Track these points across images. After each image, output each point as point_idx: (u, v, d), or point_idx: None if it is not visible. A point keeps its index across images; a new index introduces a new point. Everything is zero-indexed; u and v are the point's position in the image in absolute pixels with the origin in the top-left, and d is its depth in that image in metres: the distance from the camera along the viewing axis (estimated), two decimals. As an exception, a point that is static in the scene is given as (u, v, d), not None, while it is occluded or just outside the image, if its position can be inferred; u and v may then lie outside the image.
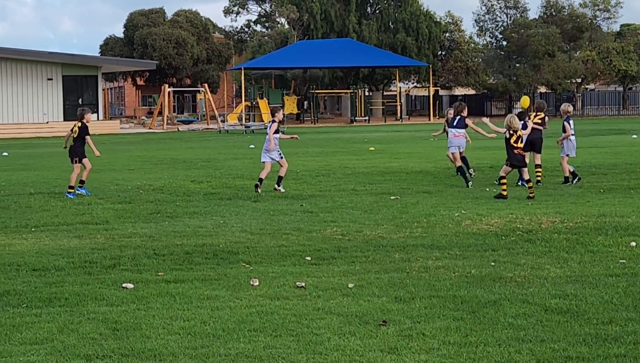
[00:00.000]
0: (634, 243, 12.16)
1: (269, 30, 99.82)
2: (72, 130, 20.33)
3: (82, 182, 19.99)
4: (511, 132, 18.01)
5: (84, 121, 20.23)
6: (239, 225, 14.67)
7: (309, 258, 11.65)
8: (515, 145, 18.04)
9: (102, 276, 10.73)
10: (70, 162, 20.17)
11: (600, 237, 12.75)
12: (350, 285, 9.99)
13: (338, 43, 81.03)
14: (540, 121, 20.89)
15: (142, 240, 13.25)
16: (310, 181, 22.11)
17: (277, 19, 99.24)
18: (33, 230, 14.66)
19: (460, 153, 21.79)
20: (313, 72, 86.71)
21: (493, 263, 11.08)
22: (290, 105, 75.88)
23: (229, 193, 19.49)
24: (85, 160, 20.07)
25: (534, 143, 20.54)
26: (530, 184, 18.07)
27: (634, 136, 41.10)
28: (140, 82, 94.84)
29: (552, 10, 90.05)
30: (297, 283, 10.11)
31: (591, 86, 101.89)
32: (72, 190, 19.49)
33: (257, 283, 10.18)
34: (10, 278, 10.72)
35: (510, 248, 12.11)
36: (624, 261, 11.09)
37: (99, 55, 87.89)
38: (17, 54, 63.32)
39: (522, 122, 19.27)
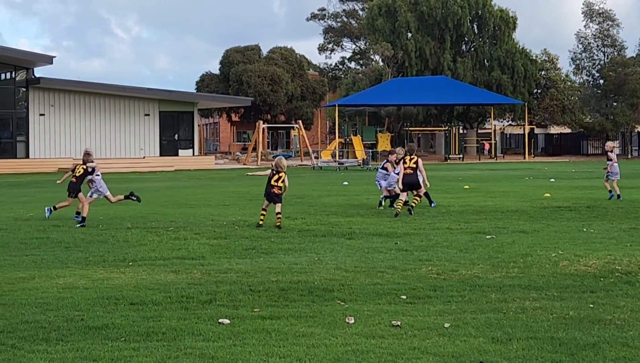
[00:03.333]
0: None
1: (363, 67, 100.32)
2: (73, 170, 22.84)
3: (77, 212, 22.15)
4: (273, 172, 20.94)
5: (88, 165, 22.58)
6: (334, 262, 14.68)
7: (404, 297, 11.59)
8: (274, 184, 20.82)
9: (198, 312, 10.81)
10: (67, 195, 22.71)
11: (702, 280, 12.48)
12: (447, 325, 9.91)
13: (432, 80, 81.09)
14: (415, 165, 23.34)
15: (237, 276, 13.32)
16: (404, 219, 22.05)
17: (372, 56, 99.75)
18: (130, 264, 14.86)
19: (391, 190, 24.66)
20: (407, 109, 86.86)
21: (592, 305, 10.91)
22: (384, 142, 75.94)
23: (323, 230, 19.53)
24: (80, 195, 22.30)
25: (411, 184, 23.44)
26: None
27: None
28: (235, 118, 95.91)
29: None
30: (393, 322, 10.07)
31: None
32: (78, 215, 21.89)
33: (352, 321, 10.16)
34: (109, 311, 10.86)
35: (609, 290, 11.91)
36: None
37: (194, 91, 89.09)
38: (116, 90, 64.59)
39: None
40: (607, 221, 21.06)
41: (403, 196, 23.60)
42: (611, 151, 28.27)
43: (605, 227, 19.68)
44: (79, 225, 20.87)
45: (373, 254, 15.75)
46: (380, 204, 25.19)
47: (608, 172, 27.89)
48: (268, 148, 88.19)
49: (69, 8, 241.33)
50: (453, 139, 79.68)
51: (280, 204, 20.82)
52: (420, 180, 23.68)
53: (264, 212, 20.99)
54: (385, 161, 25.20)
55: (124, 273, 13.77)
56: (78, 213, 22.06)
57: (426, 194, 24.94)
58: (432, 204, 25.11)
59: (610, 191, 27.59)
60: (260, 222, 20.62)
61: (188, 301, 11.46)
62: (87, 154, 23.03)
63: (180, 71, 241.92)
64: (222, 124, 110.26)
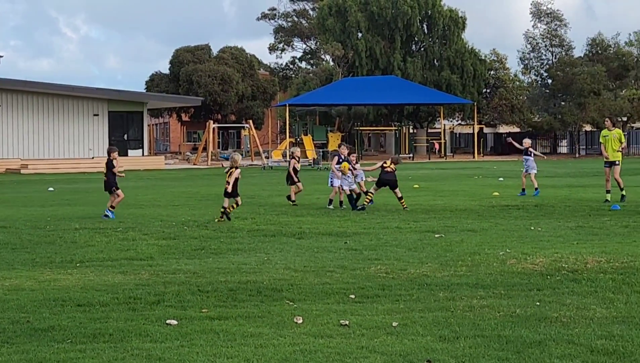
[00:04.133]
0: (681, 284, 12.03)
1: (314, 67, 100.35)
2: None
3: (112, 207, 23.04)
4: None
5: (110, 157, 23.59)
6: (283, 262, 14.67)
7: (353, 296, 11.61)
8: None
9: (146, 313, 10.76)
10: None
11: (647, 277, 12.62)
12: (394, 324, 9.95)
13: (383, 80, 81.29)
14: (393, 168, 25.06)
15: (186, 276, 13.27)
16: (354, 218, 22.10)
17: (322, 56, 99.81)
18: (78, 265, 14.75)
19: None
20: (357, 109, 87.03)
21: (538, 303, 10.99)
22: (335, 142, 76.01)
23: (273, 230, 19.52)
24: (119, 191, 23.19)
25: (387, 182, 24.71)
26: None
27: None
28: (185, 118, 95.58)
29: (598, 48, 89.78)
30: (341, 321, 10.08)
31: (637, 125, 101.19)
32: (112, 209, 22.98)
33: (300, 321, 10.17)
34: (55, 313, 10.78)
35: (556, 288, 12.01)
36: (672, 302, 10.98)
37: (144, 91, 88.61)
38: (65, 90, 64.10)
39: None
40: (554, 219, 21.24)
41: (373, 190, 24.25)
42: (530, 147, 30.82)
43: (553, 225, 19.85)
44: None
45: (322, 253, 15.76)
46: (341, 204, 25.16)
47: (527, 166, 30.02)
48: (218, 148, 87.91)
49: (16, 7, 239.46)
50: (403, 138, 79.96)
51: (227, 199, 21.74)
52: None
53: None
54: (340, 157, 25.26)
55: (71, 275, 13.66)
56: (113, 207, 23.13)
57: (359, 194, 25.36)
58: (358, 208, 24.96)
59: (523, 189, 29.56)
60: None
61: (136, 302, 11.40)
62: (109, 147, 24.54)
63: (129, 70, 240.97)
64: (172, 124, 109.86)
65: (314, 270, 13.75)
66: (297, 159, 27.23)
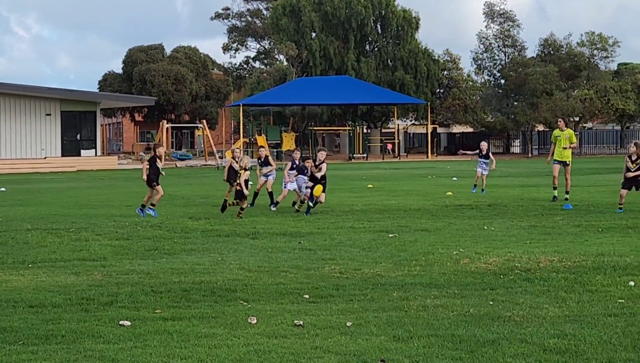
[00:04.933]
0: (632, 283, 12.14)
1: (268, 67, 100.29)
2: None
3: (152, 205, 23.38)
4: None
5: (156, 153, 24.01)
6: (237, 262, 14.64)
7: (307, 296, 11.61)
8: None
9: (99, 314, 10.69)
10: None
11: (598, 276, 12.73)
12: (349, 324, 9.95)
13: (336, 80, 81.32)
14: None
15: (139, 277, 13.20)
16: (308, 218, 22.10)
17: (276, 56, 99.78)
18: (30, 266, 14.62)
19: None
20: (311, 109, 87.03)
21: (491, 302, 11.05)
22: (289, 142, 76.01)
23: (227, 230, 19.47)
24: (158, 186, 23.49)
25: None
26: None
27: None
28: (138, 118, 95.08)
29: (550, 48, 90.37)
30: (295, 322, 10.07)
31: (589, 125, 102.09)
32: (143, 208, 23.29)
33: (254, 321, 10.14)
34: (7, 314, 10.67)
35: (509, 287, 12.08)
36: (623, 300, 11.07)
37: (97, 91, 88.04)
38: (16, 90, 63.49)
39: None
40: (507, 219, 21.37)
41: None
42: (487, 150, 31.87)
43: (506, 225, 19.97)
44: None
45: (277, 253, 15.74)
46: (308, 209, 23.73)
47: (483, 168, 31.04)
48: (172, 148, 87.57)
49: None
50: (357, 138, 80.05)
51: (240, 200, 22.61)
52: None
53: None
54: (293, 162, 25.03)
55: (23, 276, 13.54)
56: (153, 205, 23.46)
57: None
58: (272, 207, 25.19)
59: (475, 186, 30.88)
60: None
61: (88, 303, 11.32)
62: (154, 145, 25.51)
63: (82, 70, 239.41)
64: (126, 124, 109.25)
65: (268, 270, 13.74)
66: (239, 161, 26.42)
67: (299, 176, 24.34)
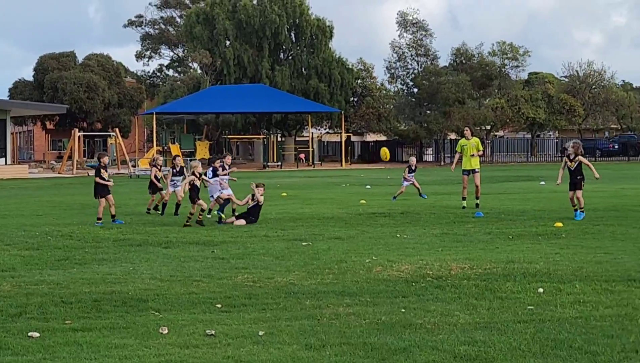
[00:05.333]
0: (541, 289, 12.30)
1: (182, 75, 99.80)
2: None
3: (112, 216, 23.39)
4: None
5: (100, 163, 23.87)
6: (149, 272, 14.51)
7: (219, 306, 11.55)
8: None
9: (7, 325, 10.50)
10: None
11: (508, 283, 12.88)
12: (261, 333, 9.93)
13: (251, 88, 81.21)
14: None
15: (49, 288, 13.01)
16: (221, 227, 22.03)
17: (190, 64, 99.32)
18: (-63, 277, 14.33)
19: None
20: (225, 117, 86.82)
21: (403, 310, 11.11)
22: (202, 150, 75.68)
23: (139, 239, 19.30)
24: (102, 199, 23.34)
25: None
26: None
27: (542, 183, 41.75)
28: (50, 126, 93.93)
29: (462, 58, 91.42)
30: (207, 331, 10.02)
31: (500, 133, 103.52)
32: (100, 221, 22.98)
33: (166, 331, 10.06)
34: None
35: (421, 295, 12.16)
36: (532, 307, 11.20)
37: (7, 98, 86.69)
38: None
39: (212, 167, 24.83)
40: (420, 226, 21.53)
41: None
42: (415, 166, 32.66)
43: (418, 232, 20.12)
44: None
45: (189, 263, 15.65)
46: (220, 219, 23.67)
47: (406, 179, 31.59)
48: (84, 156, 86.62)
49: None
50: (271, 147, 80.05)
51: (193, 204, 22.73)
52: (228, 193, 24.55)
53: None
54: (213, 168, 24.98)
55: None
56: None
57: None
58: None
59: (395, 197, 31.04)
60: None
61: (-4, 314, 11.13)
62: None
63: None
64: (37, 132, 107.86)
65: (181, 280, 13.65)
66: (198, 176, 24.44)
67: (214, 185, 24.21)
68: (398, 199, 30.49)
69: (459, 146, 27.35)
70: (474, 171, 26.67)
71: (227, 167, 25.23)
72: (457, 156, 27.61)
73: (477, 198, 26.45)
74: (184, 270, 14.70)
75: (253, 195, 23.29)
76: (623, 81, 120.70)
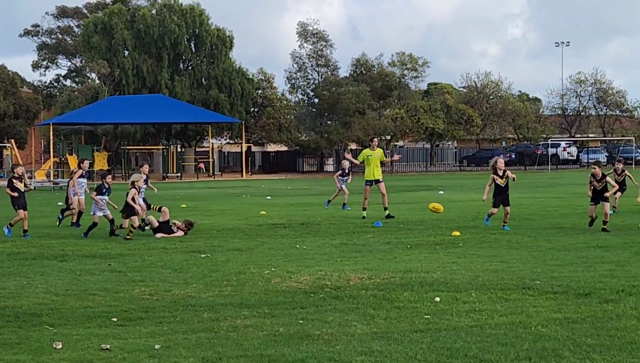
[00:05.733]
0: (438, 299, 12.40)
1: (79, 85, 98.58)
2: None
3: (10, 225, 23.17)
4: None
5: (14, 174, 23.49)
6: (44, 286, 14.26)
7: (115, 319, 11.39)
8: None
9: None
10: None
11: (406, 293, 12.95)
12: (157, 346, 9.81)
13: (150, 99, 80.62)
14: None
15: (-60, 303, 12.70)
16: (119, 239, 21.77)
17: (88, 74, 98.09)
18: None
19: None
20: (124, 128, 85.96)
21: (301, 321, 11.09)
22: (101, 161, 74.80)
23: (34, 253, 18.96)
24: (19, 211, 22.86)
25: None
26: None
27: (441, 192, 42.22)
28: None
29: (362, 68, 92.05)
30: (102, 345, 9.87)
31: (400, 143, 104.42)
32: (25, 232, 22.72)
33: (60, 346, 9.88)
34: None
35: (319, 306, 12.16)
36: (429, 316, 11.28)
37: None
38: None
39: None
40: (319, 237, 21.57)
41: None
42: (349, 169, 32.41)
43: (318, 243, 20.14)
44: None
45: (85, 276, 15.43)
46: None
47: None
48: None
49: None
50: (171, 157, 79.53)
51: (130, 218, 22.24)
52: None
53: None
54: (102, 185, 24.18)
55: None
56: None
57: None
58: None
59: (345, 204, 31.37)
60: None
61: None
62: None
63: None
64: None
65: (76, 294, 13.43)
66: (138, 189, 23.61)
67: (98, 197, 23.35)
68: (332, 203, 31.91)
69: (362, 155, 27.34)
70: (377, 181, 26.78)
71: (145, 178, 24.85)
72: (346, 163, 27.82)
73: (385, 208, 26.54)
74: (80, 284, 14.48)
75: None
76: (519, 91, 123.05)
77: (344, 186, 31.77)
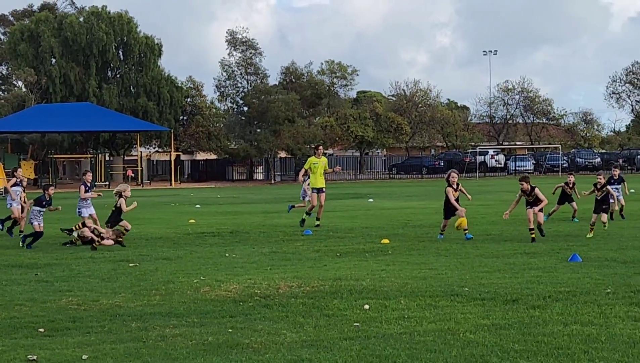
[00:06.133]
0: (367, 306, 12.43)
1: (5, 93, 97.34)
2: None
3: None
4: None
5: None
6: (-32, 297, 14.04)
7: (42, 330, 11.25)
8: None
9: None
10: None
11: (335, 301, 12.97)
12: (85, 357, 9.71)
13: (78, 107, 79.89)
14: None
15: None
16: (46, 248, 21.53)
17: (14, 82, 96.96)
18: None
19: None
20: (52, 136, 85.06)
21: (230, 330, 11.05)
22: (27, 170, 73.87)
23: (-41, 263, 18.68)
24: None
25: None
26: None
27: (370, 200, 42.38)
28: None
29: (292, 77, 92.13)
30: (29, 356, 9.74)
31: (330, 151, 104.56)
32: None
33: (-15, 358, 9.74)
34: None
35: (248, 314, 12.12)
36: (358, 324, 11.31)
37: None
38: None
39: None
40: (249, 245, 21.53)
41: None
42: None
43: (247, 252, 20.10)
44: None
45: (11, 286, 15.22)
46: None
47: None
48: None
49: None
50: (99, 166, 78.83)
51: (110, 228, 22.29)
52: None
53: None
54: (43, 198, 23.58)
55: None
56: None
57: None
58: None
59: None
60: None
61: None
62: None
63: None
64: None
65: (2, 304, 13.25)
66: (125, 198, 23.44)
67: (34, 207, 23.28)
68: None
69: (308, 163, 27.21)
70: (321, 189, 26.72)
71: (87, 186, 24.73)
72: (301, 172, 27.73)
73: (318, 219, 26.53)
74: (6, 294, 14.28)
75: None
76: (448, 99, 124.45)
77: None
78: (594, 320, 11.27)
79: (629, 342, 10.02)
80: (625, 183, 28.01)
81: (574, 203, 27.51)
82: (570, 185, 27.64)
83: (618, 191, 27.34)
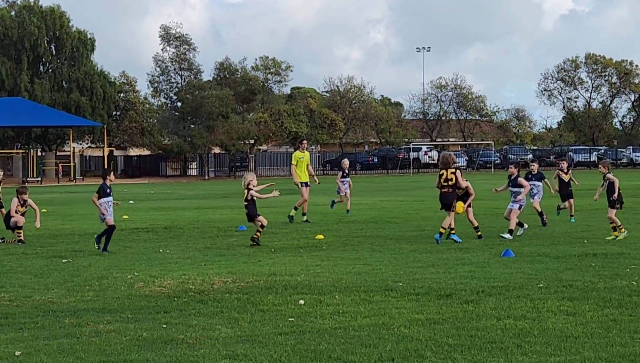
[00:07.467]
0: (302, 301, 12.47)
1: None
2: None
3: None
4: None
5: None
6: None
7: (-27, 327, 11.15)
8: None
9: None
10: None
11: (270, 296, 12.99)
12: (18, 353, 9.63)
13: (8, 102, 78.94)
14: None
15: None
16: (-24, 245, 21.28)
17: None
18: None
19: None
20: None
21: (165, 325, 11.02)
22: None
23: None
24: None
25: None
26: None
27: (131, 202, 42.33)
28: None
29: (226, 72, 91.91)
30: (-40, 354, 9.65)
31: (264, 147, 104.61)
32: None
33: None
34: None
35: (183, 310, 12.10)
36: (293, 319, 11.34)
37: None
38: None
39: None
40: (183, 241, 21.47)
41: None
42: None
43: (182, 247, 20.05)
44: None
45: (-59, 283, 15.03)
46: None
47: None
48: None
49: None
50: (31, 161, 78.02)
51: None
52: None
53: None
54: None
55: None
56: None
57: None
58: None
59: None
60: None
61: None
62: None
63: None
64: None
65: None
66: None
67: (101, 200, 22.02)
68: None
69: (295, 158, 27.65)
70: (307, 184, 27.08)
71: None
72: (293, 168, 27.81)
73: (304, 214, 26.75)
74: (-64, 291, 14.11)
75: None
76: (382, 96, 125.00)
77: (348, 191, 29.95)
78: (527, 315, 11.42)
79: (562, 336, 10.17)
80: (546, 179, 26.01)
81: (571, 200, 26.23)
82: (565, 170, 26.28)
83: (538, 189, 25.75)
